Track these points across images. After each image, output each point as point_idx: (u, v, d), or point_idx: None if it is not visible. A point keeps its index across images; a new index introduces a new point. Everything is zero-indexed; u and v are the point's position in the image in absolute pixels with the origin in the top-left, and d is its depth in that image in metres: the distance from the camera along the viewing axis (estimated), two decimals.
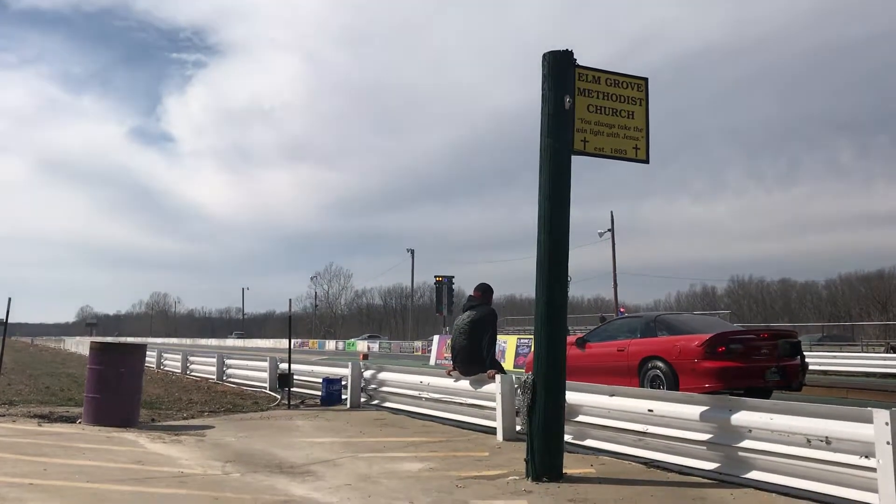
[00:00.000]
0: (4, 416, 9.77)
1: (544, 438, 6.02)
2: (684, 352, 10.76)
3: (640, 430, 7.05)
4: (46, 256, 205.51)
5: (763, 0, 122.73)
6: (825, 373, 23.41)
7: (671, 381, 10.74)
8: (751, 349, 10.70)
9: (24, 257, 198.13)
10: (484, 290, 9.40)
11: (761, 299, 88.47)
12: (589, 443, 7.62)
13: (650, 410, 6.95)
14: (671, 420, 6.75)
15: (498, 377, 8.47)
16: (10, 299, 12.97)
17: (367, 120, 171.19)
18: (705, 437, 6.42)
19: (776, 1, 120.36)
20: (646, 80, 6.78)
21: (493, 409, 8.50)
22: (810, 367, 23.64)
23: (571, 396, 7.24)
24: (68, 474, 5.98)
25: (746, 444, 6.03)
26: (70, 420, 9.63)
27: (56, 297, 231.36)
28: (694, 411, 6.52)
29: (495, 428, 8.42)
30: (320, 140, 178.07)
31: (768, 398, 9.03)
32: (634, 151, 6.63)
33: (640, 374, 11.32)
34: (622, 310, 46.06)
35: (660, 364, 11.06)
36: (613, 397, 7.44)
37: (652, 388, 10.71)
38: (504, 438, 8.16)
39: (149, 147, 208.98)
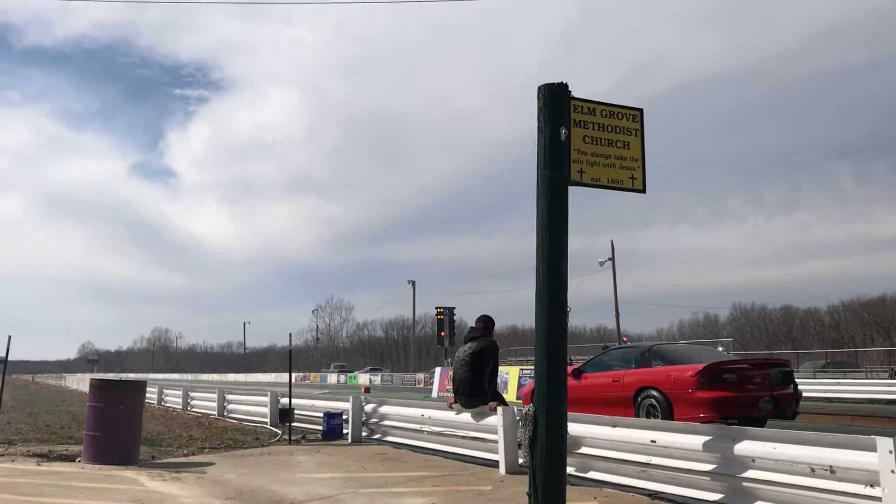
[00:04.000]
0: (3, 455, 9.72)
1: (547, 471, 5.95)
2: (678, 382, 10.81)
3: (644, 461, 7.00)
4: (48, 293, 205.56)
5: (761, 26, 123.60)
6: (829, 400, 23.29)
7: (666, 411, 10.80)
8: (744, 379, 10.84)
9: (25, 294, 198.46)
10: (485, 322, 9.39)
11: (764, 327, 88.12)
12: (592, 475, 7.57)
13: (653, 441, 6.91)
14: (674, 451, 6.71)
15: (500, 409, 8.42)
16: (10, 337, 12.95)
17: (367, 152, 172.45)
18: (709, 467, 6.37)
19: (775, 27, 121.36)
20: (641, 110, 6.82)
21: (496, 441, 8.44)
22: (814, 395, 23.62)
23: (573, 428, 7.19)
24: None
25: (750, 473, 5.98)
26: (69, 459, 9.56)
27: (57, 334, 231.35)
28: (696, 441, 6.48)
29: (498, 461, 8.36)
30: (321, 172, 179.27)
31: (763, 427, 9.18)
32: (631, 181, 6.64)
33: (635, 405, 11.39)
34: (625, 339, 45.90)
35: (654, 394, 11.13)
36: (616, 428, 7.40)
37: (647, 417, 10.76)
38: (507, 472, 8.10)
39: (151, 182, 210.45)
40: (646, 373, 11.64)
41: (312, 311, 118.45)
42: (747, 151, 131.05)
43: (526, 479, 6.31)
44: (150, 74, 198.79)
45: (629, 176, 6.65)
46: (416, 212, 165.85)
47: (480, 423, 9.02)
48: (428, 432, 10.24)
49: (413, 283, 69.85)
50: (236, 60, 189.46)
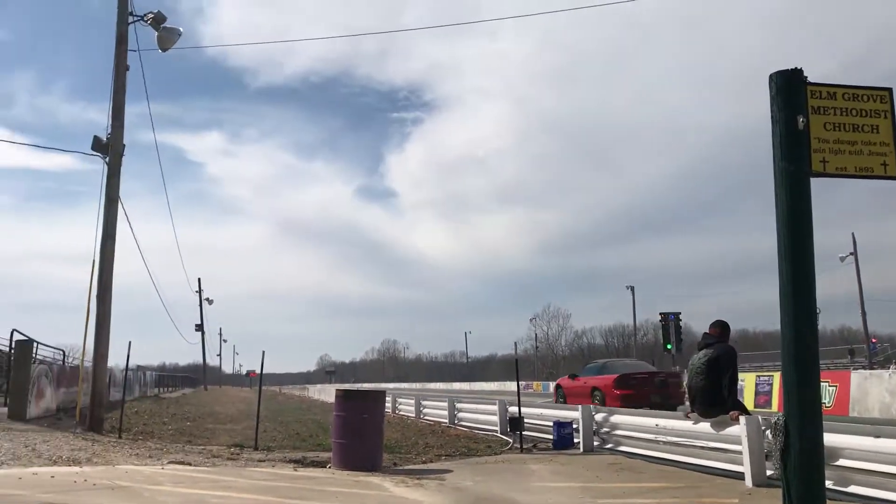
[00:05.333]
0: (264, 461, 10.62)
1: (802, 485, 5.53)
2: (606, 385, 19.14)
3: None
4: (289, 310, 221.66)
5: None
6: None
7: (602, 402, 18.32)
8: (640, 383, 18.88)
9: (271, 312, 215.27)
10: (721, 327, 8.95)
11: None
12: (853, 489, 6.95)
13: None
14: None
15: (742, 419, 7.98)
16: (263, 352, 14.21)
17: (577, 157, 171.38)
18: None
19: None
20: (889, 90, 6.20)
21: (739, 452, 8.01)
22: None
23: (829, 438, 6.62)
24: None
25: None
26: (321, 464, 10.26)
27: (298, 348, 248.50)
28: None
29: (741, 472, 7.94)
30: (532, 181, 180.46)
31: (674, 409, 14.79)
32: (883, 168, 6.04)
33: (591, 397, 19.18)
34: (874, 340, 41.85)
35: (598, 392, 19.32)
36: (879, 439, 6.75)
37: (597, 405, 15.43)
38: (753, 484, 7.64)
39: (374, 203, 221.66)
40: (597, 379, 20.14)
41: (530, 320, 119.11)
42: None
43: (775, 492, 5.92)
44: (370, 101, 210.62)
45: (880, 162, 6.05)
46: (631, 215, 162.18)
47: (721, 433, 8.58)
48: (663, 442, 9.91)
49: (632, 289, 68.26)
50: (446, 79, 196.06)
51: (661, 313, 36.96)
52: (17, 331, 16.00)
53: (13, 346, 15.76)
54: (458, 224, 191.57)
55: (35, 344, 16.92)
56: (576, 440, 11.85)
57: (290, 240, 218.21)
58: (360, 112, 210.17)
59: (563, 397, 21.65)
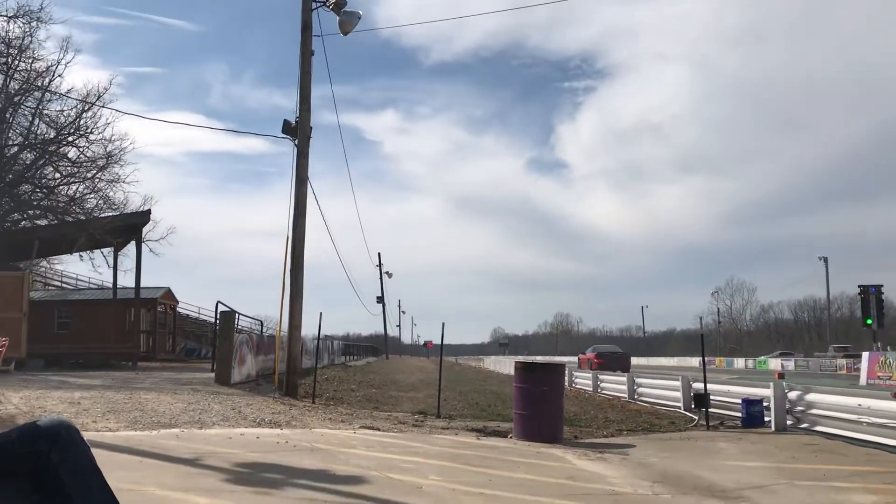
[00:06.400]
0: (448, 429, 10.90)
1: None
2: (591, 358, 37.40)
3: None
4: (464, 283, 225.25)
5: None
6: None
7: (590, 367, 32.26)
8: (606, 356, 37.17)
9: (446, 285, 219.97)
10: None
11: None
12: None
13: None
14: None
15: None
16: (443, 324, 14.70)
17: (762, 120, 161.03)
18: None
19: None
20: None
21: None
22: None
23: None
24: (511, 486, 6.41)
25: None
26: (502, 434, 10.40)
27: (472, 320, 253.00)
28: None
29: None
30: (713, 148, 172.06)
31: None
32: None
33: (588, 366, 33.89)
34: None
35: (589, 362, 36.63)
36: None
37: (592, 371, 26.07)
38: None
39: (545, 175, 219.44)
40: (590, 354, 39.06)
41: (712, 294, 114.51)
42: None
43: None
44: (540, 72, 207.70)
45: None
46: (823, 180, 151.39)
47: None
48: (867, 424, 9.23)
49: (825, 260, 63.99)
50: (620, 46, 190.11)
51: (860, 286, 34.12)
52: (221, 302, 17.35)
53: (218, 316, 17.10)
54: (633, 195, 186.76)
55: (237, 315, 18.28)
56: (766, 418, 11.28)
57: (464, 214, 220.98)
58: (530, 83, 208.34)
59: (579, 366, 35.88)
